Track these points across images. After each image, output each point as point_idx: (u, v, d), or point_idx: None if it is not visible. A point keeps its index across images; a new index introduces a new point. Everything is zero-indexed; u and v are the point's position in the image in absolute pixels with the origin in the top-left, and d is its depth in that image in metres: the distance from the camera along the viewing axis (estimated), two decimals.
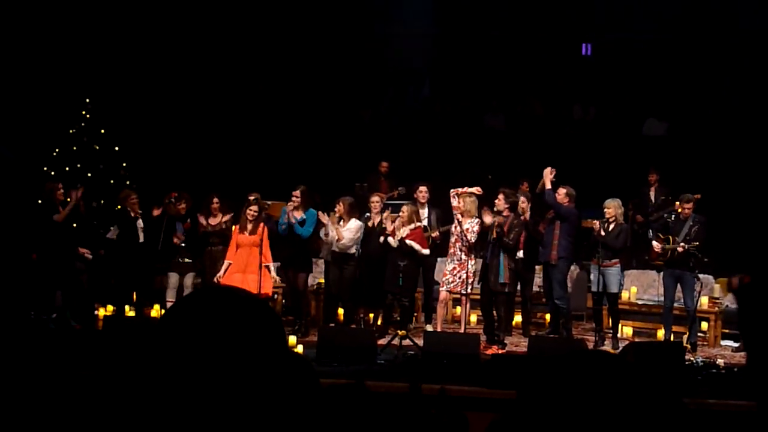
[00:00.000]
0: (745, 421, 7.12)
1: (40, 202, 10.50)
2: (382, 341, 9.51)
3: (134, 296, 10.91)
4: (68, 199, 10.40)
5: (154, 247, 10.62)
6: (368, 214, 10.62)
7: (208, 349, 1.40)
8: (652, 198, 12.92)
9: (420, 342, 9.14)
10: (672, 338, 10.30)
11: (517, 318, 11.07)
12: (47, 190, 10.47)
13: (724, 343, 10.83)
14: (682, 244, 10.21)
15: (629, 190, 12.67)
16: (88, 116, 13.25)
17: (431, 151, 15.50)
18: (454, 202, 10.10)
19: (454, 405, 5.48)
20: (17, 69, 13.79)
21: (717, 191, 13.03)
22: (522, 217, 10.23)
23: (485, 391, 7.58)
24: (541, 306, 11.39)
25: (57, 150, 12.99)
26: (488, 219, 9.97)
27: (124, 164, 13.28)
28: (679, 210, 10.53)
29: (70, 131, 13.13)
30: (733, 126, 15.05)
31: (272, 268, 10.31)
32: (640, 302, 11.53)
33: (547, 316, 11.07)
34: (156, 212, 10.82)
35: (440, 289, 10.31)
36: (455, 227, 10.07)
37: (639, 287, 11.89)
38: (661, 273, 10.90)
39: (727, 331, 10.94)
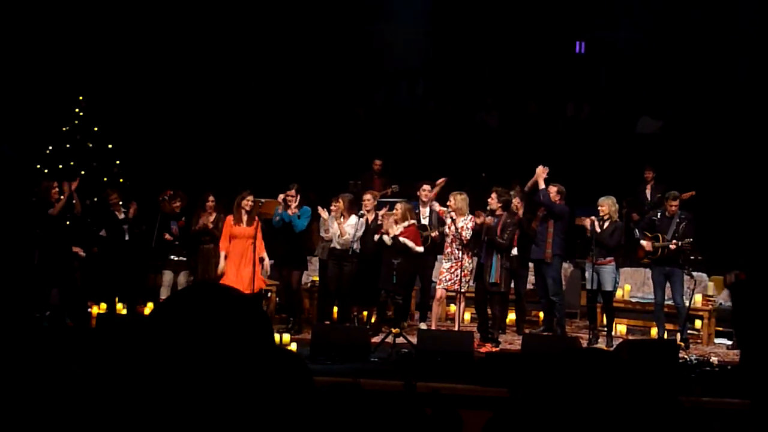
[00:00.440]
0: (738, 419, 7.13)
1: (34, 200, 10.47)
2: (375, 339, 9.52)
3: (120, 296, 10.83)
4: (62, 197, 10.36)
5: (147, 244, 10.60)
6: (362, 211, 10.62)
7: (196, 346, 1.40)
8: (648, 196, 12.91)
9: (414, 340, 9.13)
10: (666, 336, 10.31)
11: (511, 316, 11.05)
12: (43, 189, 10.44)
13: (717, 341, 10.84)
14: (674, 241, 10.22)
15: (623, 187, 12.65)
16: (81, 114, 13.21)
17: (425, 149, 15.49)
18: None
19: (448, 403, 5.48)
20: (10, 67, 13.74)
21: (711, 189, 13.06)
22: (516, 216, 10.23)
23: (479, 389, 7.58)
24: (534, 304, 11.38)
25: (50, 148, 12.94)
26: (479, 220, 9.98)
27: (118, 162, 13.24)
28: (666, 207, 10.54)
29: (64, 129, 13.08)
30: (727, 123, 15.07)
31: (266, 260, 10.29)
32: (633, 300, 11.53)
33: (541, 314, 11.08)
34: (132, 210, 10.82)
35: (437, 287, 10.31)
36: (449, 226, 10.08)
37: (633, 285, 11.88)
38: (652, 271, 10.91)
39: (720, 329, 10.96)
